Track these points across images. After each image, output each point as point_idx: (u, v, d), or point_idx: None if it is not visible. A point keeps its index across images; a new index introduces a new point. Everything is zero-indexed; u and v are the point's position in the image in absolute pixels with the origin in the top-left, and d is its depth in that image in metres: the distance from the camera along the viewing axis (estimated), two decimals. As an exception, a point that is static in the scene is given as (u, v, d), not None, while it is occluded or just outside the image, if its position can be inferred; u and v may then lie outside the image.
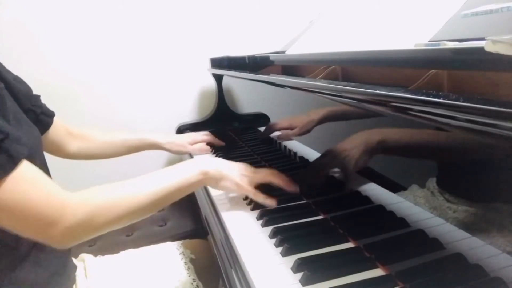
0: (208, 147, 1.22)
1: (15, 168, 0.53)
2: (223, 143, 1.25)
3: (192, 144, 1.20)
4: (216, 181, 0.75)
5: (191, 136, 1.24)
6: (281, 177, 0.80)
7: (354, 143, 0.67)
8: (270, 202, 0.76)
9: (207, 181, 0.74)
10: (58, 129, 0.91)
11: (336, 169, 0.78)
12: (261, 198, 0.76)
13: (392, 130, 0.58)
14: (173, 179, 0.69)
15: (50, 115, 0.87)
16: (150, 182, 0.67)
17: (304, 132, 0.87)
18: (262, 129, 1.21)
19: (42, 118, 0.83)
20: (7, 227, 0.55)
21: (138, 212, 0.64)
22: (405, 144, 0.56)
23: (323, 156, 0.81)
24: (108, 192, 0.63)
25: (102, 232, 0.62)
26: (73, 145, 0.98)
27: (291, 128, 0.96)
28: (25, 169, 0.55)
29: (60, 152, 0.95)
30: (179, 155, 1.31)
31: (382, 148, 0.61)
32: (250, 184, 0.78)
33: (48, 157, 0.77)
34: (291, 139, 1.00)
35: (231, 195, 0.86)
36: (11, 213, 0.53)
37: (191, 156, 1.21)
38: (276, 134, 1.09)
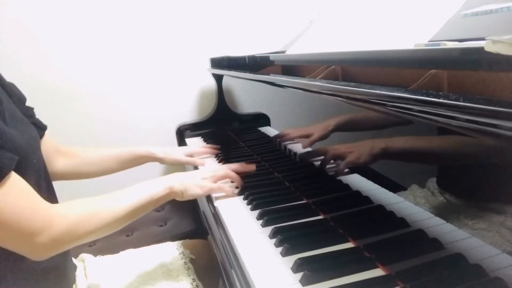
0: (202, 161, 1.13)
1: (2, 180, 0.54)
2: (217, 151, 1.19)
3: (190, 155, 1.13)
4: (181, 192, 0.80)
5: (186, 149, 1.17)
6: (238, 166, 0.92)
7: (361, 144, 0.69)
8: (234, 191, 0.87)
9: (173, 194, 0.79)
10: (47, 145, 0.86)
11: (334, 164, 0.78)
12: (226, 189, 0.86)
13: (395, 138, 0.59)
14: (143, 194, 0.74)
15: (41, 127, 0.83)
16: (124, 197, 0.72)
17: (322, 139, 0.83)
18: (262, 129, 1.21)
19: None
20: None
21: (114, 223, 0.68)
22: (407, 152, 0.57)
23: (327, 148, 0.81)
24: (88, 205, 0.67)
25: (83, 242, 0.65)
26: (60, 163, 0.91)
27: (307, 136, 0.89)
28: (12, 181, 0.56)
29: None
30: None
31: (385, 154, 0.61)
32: (213, 182, 0.85)
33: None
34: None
35: (230, 198, 0.87)
36: None
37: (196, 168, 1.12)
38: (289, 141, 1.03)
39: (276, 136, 1.08)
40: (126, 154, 1.03)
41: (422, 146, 0.53)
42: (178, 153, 1.12)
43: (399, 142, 0.57)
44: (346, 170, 0.76)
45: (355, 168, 0.73)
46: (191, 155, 1.14)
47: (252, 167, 0.94)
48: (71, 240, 0.62)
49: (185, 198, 0.81)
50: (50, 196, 0.74)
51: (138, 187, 0.75)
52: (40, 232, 0.57)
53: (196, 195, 0.83)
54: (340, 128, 0.73)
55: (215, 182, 0.86)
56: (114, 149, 1.03)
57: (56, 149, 0.91)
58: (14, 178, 0.57)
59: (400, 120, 0.53)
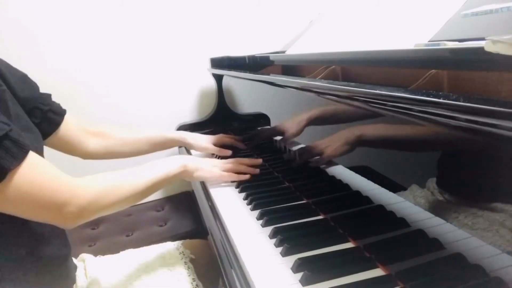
0: (229, 151, 1.13)
1: (26, 156, 0.57)
2: (245, 146, 1.19)
3: (216, 145, 1.14)
4: (192, 172, 0.87)
5: (212, 138, 1.17)
6: (246, 163, 0.97)
7: (337, 135, 0.72)
8: (243, 177, 0.92)
9: (186, 173, 0.85)
10: (70, 127, 0.88)
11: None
12: (235, 176, 0.92)
13: (371, 126, 0.60)
14: (160, 171, 0.79)
15: (59, 113, 0.85)
16: (143, 172, 0.76)
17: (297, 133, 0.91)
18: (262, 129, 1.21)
19: (50, 116, 0.82)
20: (22, 213, 0.59)
21: (134, 196, 0.72)
22: (385, 138, 0.58)
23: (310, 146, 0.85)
24: (110, 178, 0.70)
25: (107, 212, 0.68)
26: (92, 143, 0.96)
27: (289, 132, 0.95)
28: (34, 158, 0.59)
29: (77, 150, 0.93)
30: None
31: (362, 142, 0.64)
32: (221, 170, 0.92)
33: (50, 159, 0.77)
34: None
35: (230, 197, 0.87)
36: (27, 199, 0.57)
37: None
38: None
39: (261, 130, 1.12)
40: (159, 137, 1.09)
41: (398, 133, 0.53)
42: (206, 141, 1.15)
43: (375, 129, 0.59)
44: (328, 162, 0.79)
45: (356, 168, 0.73)
46: (215, 144, 1.16)
47: (258, 161, 1.00)
48: (96, 209, 0.65)
49: (195, 179, 0.88)
50: None
51: (155, 163, 0.80)
52: (68, 202, 0.60)
53: (206, 178, 0.91)
54: (314, 121, 0.77)
55: (225, 170, 0.92)
56: (147, 131, 1.08)
57: (83, 129, 0.95)
58: (35, 156, 0.60)
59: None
